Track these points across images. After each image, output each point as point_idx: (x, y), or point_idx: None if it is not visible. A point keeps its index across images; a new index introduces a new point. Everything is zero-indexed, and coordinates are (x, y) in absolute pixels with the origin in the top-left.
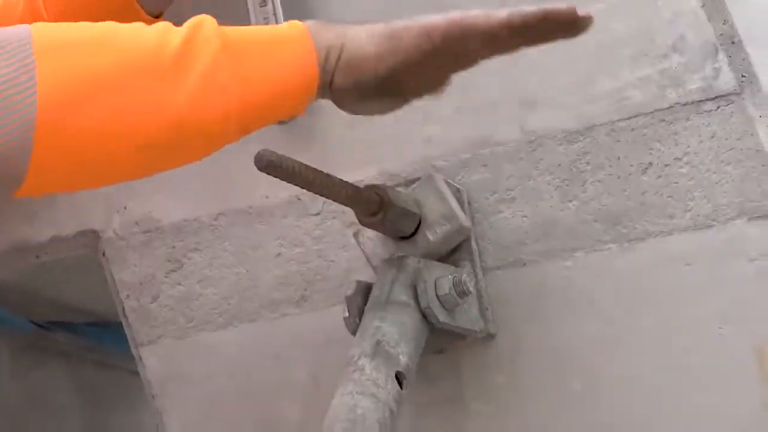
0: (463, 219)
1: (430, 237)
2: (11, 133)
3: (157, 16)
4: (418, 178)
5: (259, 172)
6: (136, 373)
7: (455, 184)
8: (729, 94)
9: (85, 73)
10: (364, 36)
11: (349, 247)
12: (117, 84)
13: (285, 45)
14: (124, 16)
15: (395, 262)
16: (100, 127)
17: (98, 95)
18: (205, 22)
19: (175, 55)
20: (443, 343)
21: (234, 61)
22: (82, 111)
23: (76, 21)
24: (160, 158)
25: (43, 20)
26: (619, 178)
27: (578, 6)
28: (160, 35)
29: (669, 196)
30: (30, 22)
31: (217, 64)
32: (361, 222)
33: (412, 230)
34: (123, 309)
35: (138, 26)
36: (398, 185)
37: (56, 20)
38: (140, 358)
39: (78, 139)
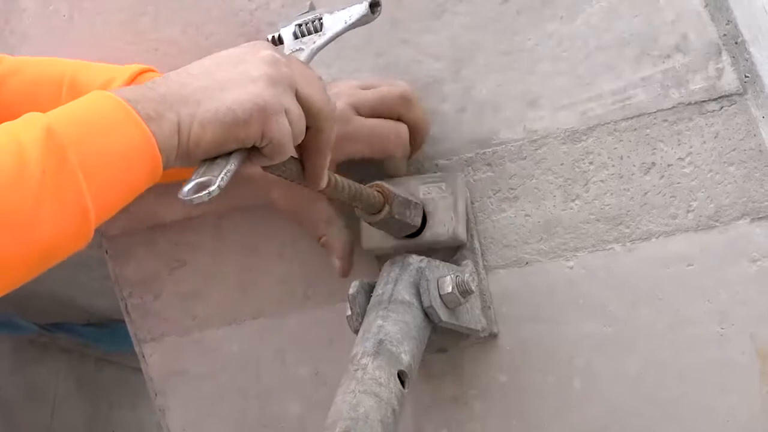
0: (461, 233)
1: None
2: None
3: None
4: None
5: None
6: (138, 370)
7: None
8: (732, 95)
9: None
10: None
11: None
12: None
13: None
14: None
15: (398, 261)
16: None
17: None
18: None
19: (32, 204)
20: (445, 342)
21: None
22: None
23: None
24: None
25: None
26: (621, 177)
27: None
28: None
29: (672, 196)
30: None
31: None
32: (364, 220)
33: (416, 229)
34: (126, 306)
35: None
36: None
37: None
38: (143, 356)
39: None
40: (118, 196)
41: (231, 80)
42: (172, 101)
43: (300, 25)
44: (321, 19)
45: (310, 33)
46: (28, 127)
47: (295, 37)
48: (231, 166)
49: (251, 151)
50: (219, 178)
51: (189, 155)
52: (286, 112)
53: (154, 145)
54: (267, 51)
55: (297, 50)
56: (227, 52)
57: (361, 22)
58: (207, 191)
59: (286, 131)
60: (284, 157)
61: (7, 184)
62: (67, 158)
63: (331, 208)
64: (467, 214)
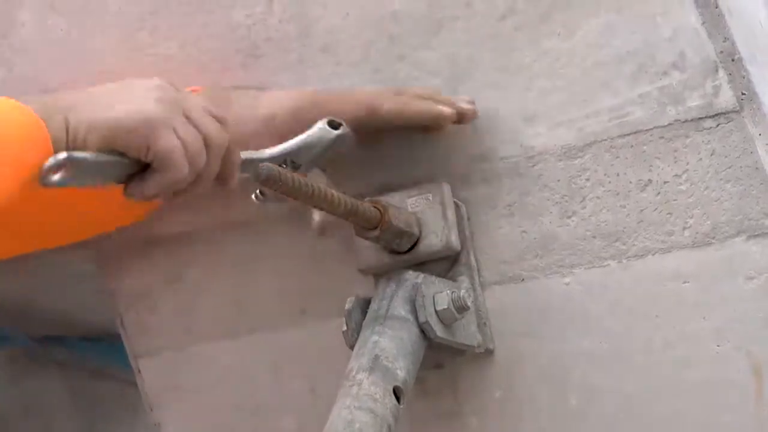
0: (454, 241)
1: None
2: None
3: None
4: None
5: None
6: (134, 384)
7: (455, 200)
8: (729, 112)
9: None
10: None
11: (348, 261)
12: None
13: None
14: None
15: (394, 277)
16: None
17: None
18: None
19: None
20: (441, 358)
21: None
22: None
23: None
24: None
25: None
26: (618, 194)
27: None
28: None
29: (668, 213)
30: None
31: None
32: (359, 235)
33: (408, 247)
34: (121, 320)
35: None
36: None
37: None
38: (138, 370)
39: None
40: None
41: (123, 97)
42: (64, 105)
43: None
44: None
45: None
46: None
47: None
48: (96, 156)
49: (144, 172)
50: (71, 152)
51: None
52: (175, 130)
53: (44, 128)
54: (159, 80)
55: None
56: (126, 81)
57: (323, 141)
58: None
59: (173, 145)
60: (178, 176)
61: None
62: None
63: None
64: (458, 223)
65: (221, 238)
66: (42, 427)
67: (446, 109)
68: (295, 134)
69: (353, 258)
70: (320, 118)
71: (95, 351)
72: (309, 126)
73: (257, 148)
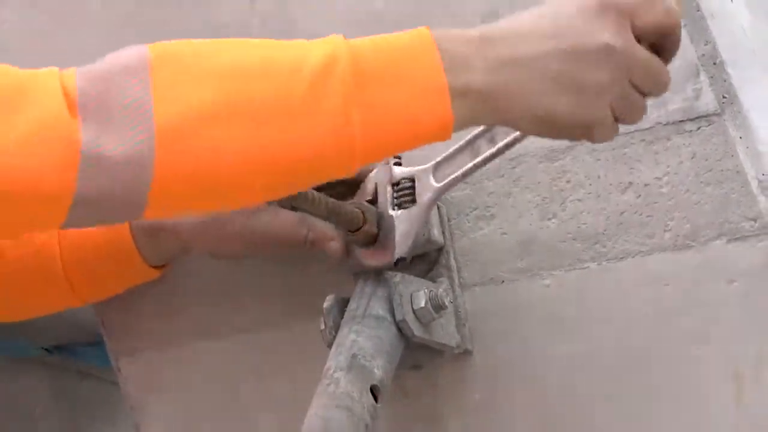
0: (437, 235)
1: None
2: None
3: (160, 267)
4: None
5: None
6: (116, 384)
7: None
8: (710, 115)
9: (202, 105)
10: None
11: (328, 262)
12: (240, 115)
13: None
14: (127, 266)
15: (372, 276)
16: (222, 156)
17: (215, 126)
18: (340, 58)
19: (306, 93)
20: (420, 358)
21: (366, 107)
22: (199, 138)
23: (88, 260)
24: (281, 189)
25: (55, 253)
26: (598, 196)
27: None
28: (294, 67)
29: (648, 216)
30: (39, 253)
31: (348, 106)
32: (345, 237)
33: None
34: (102, 320)
35: (271, 53)
36: None
37: (69, 256)
38: (119, 370)
39: (196, 164)
40: (393, 143)
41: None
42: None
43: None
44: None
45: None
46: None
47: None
48: None
49: None
50: None
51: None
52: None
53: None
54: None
55: None
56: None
57: None
58: None
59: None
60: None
61: (275, 74)
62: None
63: (291, 211)
64: (441, 219)
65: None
66: (23, 425)
67: None
68: None
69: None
70: None
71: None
72: None
73: (222, 222)
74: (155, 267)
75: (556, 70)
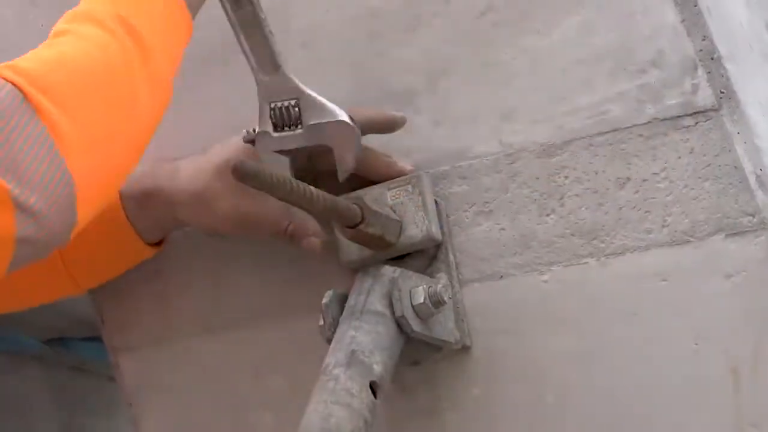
0: (435, 231)
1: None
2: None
3: (157, 244)
4: None
5: None
6: (112, 379)
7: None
8: (707, 110)
9: (95, 134)
10: None
11: (327, 258)
12: (116, 128)
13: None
14: (121, 242)
15: (371, 272)
16: (120, 161)
17: (109, 143)
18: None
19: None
20: (419, 354)
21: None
22: (105, 162)
23: (83, 246)
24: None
25: None
26: (596, 192)
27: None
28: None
29: (647, 211)
30: None
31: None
32: (340, 234)
33: (393, 242)
34: (101, 316)
35: (103, 74)
36: None
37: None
38: (117, 365)
39: (107, 179)
40: (174, 56)
41: None
42: None
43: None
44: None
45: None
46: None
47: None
48: None
49: None
50: None
51: None
52: None
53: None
54: None
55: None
56: None
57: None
58: None
59: None
60: None
61: (109, 80)
62: (137, 35)
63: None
64: (439, 215)
65: (200, 235)
66: (20, 420)
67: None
68: None
69: (333, 254)
70: None
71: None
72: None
73: (214, 198)
74: (150, 245)
75: None
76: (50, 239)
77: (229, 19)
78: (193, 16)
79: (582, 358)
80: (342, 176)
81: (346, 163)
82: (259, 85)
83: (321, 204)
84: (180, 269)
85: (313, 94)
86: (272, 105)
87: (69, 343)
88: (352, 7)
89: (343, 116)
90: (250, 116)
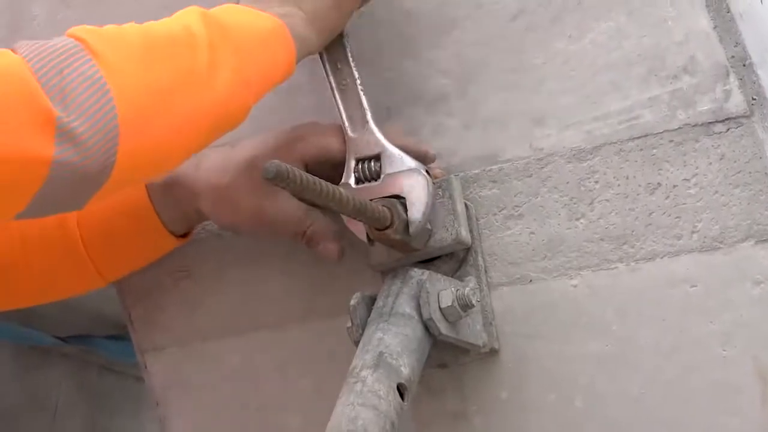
0: (465, 235)
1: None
2: (99, 149)
3: (183, 236)
4: None
5: None
6: (140, 379)
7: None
8: (739, 117)
9: (150, 89)
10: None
11: (354, 260)
12: (174, 95)
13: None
14: (146, 230)
15: (399, 274)
16: (168, 130)
17: (162, 104)
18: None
19: (207, 67)
20: (446, 357)
21: (243, 65)
22: (153, 120)
23: (108, 237)
24: (211, 138)
25: (74, 234)
26: (627, 197)
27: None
28: (192, 52)
29: (677, 217)
30: (59, 233)
31: (235, 70)
32: (372, 236)
33: (422, 245)
34: (129, 316)
35: (176, 46)
36: None
37: (89, 234)
38: (145, 366)
39: (152, 141)
40: (265, 77)
41: None
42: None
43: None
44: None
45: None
46: (186, 14)
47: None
48: None
49: None
50: None
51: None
52: None
53: (285, 28)
54: None
55: None
56: None
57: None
58: None
59: None
60: None
61: (182, 51)
62: (228, 34)
63: (302, 203)
64: (469, 218)
65: (229, 236)
66: (48, 420)
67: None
68: None
69: (360, 256)
70: (301, 151)
71: (96, 343)
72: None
73: (237, 194)
74: (175, 236)
75: None
76: (86, 172)
77: (327, 80)
78: (298, 60)
79: (610, 363)
80: (414, 228)
81: (416, 211)
82: (348, 141)
83: (351, 206)
84: (208, 270)
85: (395, 148)
86: (358, 160)
87: (93, 341)
88: (386, 10)
89: (418, 167)
90: (284, 117)
